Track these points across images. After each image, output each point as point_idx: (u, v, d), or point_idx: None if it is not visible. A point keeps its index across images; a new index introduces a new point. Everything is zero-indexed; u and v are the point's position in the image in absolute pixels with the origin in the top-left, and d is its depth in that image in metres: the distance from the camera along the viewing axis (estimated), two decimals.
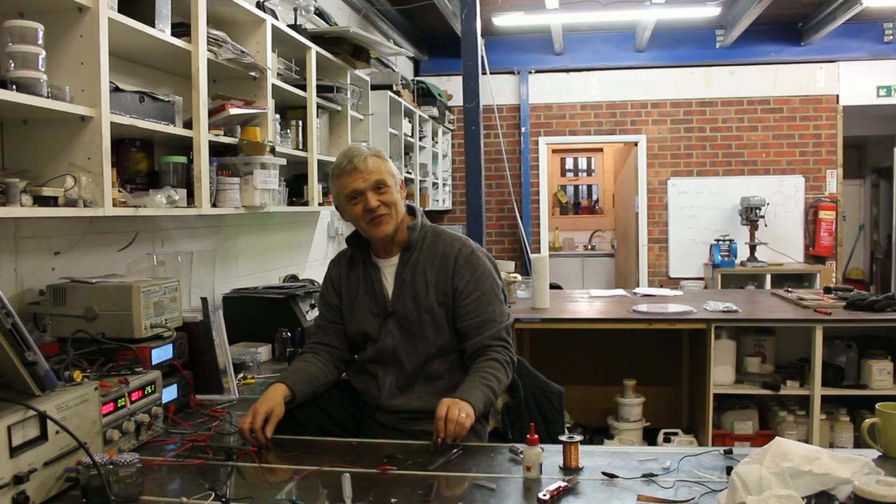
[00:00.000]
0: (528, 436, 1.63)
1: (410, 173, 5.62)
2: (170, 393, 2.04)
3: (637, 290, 4.89)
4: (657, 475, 1.59)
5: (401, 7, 5.99)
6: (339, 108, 3.87)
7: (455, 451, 1.76)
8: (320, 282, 3.74)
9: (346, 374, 2.25)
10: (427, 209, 6.10)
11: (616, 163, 9.04)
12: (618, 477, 1.59)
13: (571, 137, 7.82)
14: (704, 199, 7.52)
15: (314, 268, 4.30)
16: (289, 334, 2.92)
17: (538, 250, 7.79)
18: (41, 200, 1.80)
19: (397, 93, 5.06)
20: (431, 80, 6.75)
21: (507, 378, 2.03)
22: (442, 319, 2.07)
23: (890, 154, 7.57)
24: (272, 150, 2.81)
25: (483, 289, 2.08)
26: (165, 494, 1.54)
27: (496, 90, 7.61)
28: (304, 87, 3.36)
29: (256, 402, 1.89)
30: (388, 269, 2.13)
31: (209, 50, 2.51)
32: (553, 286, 4.78)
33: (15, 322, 1.46)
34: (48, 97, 1.80)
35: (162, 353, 2.05)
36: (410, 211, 2.15)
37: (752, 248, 6.98)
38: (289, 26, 3.24)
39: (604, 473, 1.61)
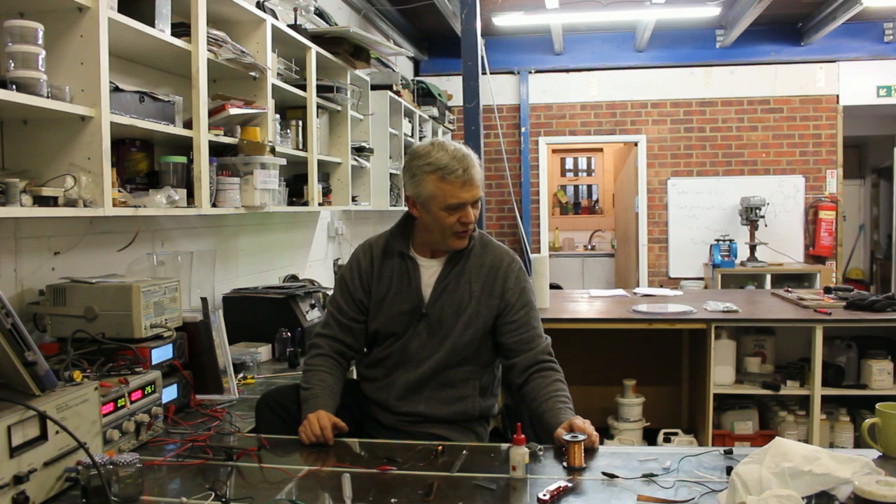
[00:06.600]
0: (514, 435, 1.63)
1: None
2: (170, 393, 2.04)
3: (637, 290, 4.88)
4: (657, 475, 1.60)
5: (401, 7, 5.99)
6: (339, 108, 3.87)
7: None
8: (320, 282, 3.78)
9: (355, 365, 2.22)
10: None
11: (616, 163, 9.03)
12: (618, 477, 1.59)
13: (571, 137, 7.81)
14: (704, 199, 7.51)
15: (314, 268, 4.30)
16: (289, 334, 2.92)
17: (538, 250, 7.79)
18: (41, 200, 1.80)
19: (397, 93, 5.05)
20: (431, 80, 6.73)
21: None
22: (478, 331, 2.03)
23: (890, 154, 7.57)
24: (272, 150, 2.81)
25: (531, 304, 2.09)
26: (165, 494, 1.54)
27: (496, 90, 7.60)
28: (304, 87, 3.35)
29: (311, 416, 1.88)
30: (430, 270, 2.07)
31: (209, 50, 2.50)
32: (553, 286, 4.78)
33: (15, 322, 1.46)
34: (48, 97, 1.80)
35: (162, 353, 2.05)
36: None
37: (752, 248, 6.97)
38: (289, 26, 3.24)
39: (604, 473, 1.61)
